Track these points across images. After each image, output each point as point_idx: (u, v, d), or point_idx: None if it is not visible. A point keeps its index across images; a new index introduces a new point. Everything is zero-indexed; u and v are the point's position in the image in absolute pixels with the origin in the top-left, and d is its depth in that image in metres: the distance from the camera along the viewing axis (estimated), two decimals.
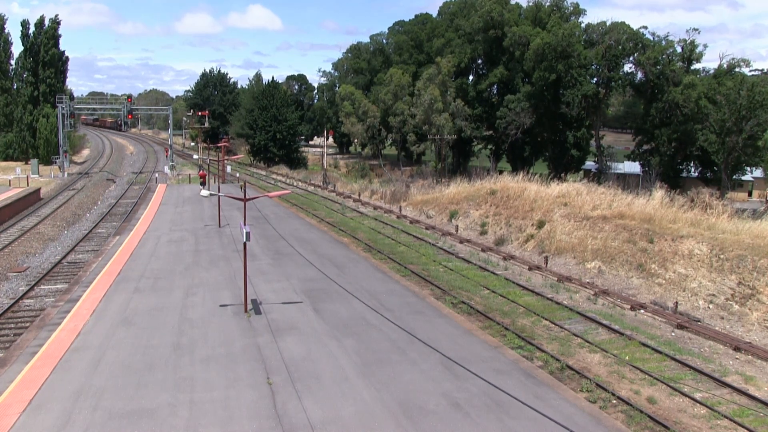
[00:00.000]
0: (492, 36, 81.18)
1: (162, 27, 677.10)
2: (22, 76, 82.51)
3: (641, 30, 71.72)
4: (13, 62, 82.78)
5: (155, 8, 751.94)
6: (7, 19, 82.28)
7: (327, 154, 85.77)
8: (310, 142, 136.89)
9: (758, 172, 68.31)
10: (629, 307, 22.99)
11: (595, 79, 73.70)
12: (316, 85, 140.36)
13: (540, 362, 17.34)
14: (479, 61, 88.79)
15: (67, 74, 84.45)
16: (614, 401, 15.14)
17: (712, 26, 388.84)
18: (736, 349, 18.88)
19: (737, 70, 67.87)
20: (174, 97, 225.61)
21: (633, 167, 76.67)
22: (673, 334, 20.42)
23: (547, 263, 29.58)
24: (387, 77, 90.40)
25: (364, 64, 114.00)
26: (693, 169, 71.50)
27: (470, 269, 28.53)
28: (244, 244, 18.93)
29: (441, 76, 77.52)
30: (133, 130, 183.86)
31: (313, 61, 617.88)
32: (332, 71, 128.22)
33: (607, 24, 73.53)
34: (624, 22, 71.98)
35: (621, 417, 14.34)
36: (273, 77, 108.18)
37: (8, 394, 13.55)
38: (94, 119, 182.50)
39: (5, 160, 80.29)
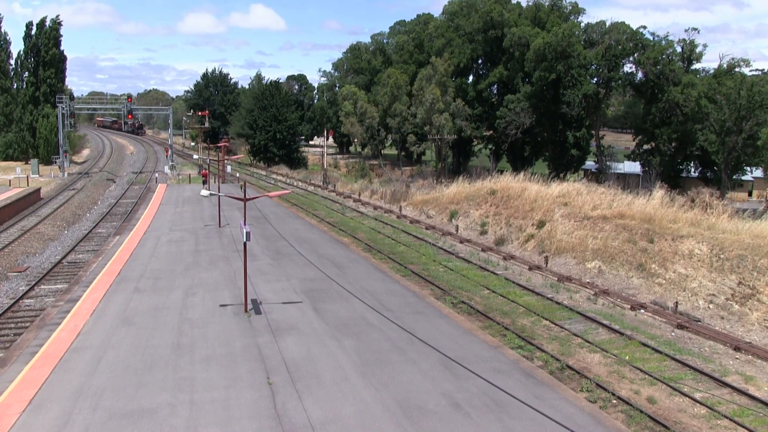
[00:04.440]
0: (492, 36, 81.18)
1: (164, 27, 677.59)
2: (22, 76, 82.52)
3: (641, 30, 71.83)
4: (12, 62, 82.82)
5: (158, 8, 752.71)
6: (2, 18, 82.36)
7: (327, 154, 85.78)
8: (310, 142, 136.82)
9: (758, 172, 68.34)
10: (629, 307, 22.98)
11: (595, 79, 73.71)
12: (316, 85, 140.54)
13: (540, 362, 17.33)
14: (479, 61, 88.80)
15: (67, 74, 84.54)
16: (614, 401, 15.14)
17: (715, 26, 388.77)
18: (736, 349, 18.87)
19: (737, 69, 67.90)
20: (174, 97, 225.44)
21: (633, 167, 76.69)
22: (673, 334, 20.42)
23: (547, 263, 29.57)
24: (385, 77, 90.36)
25: (364, 64, 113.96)
26: (693, 169, 71.53)
27: (470, 269, 28.52)
28: (244, 244, 18.93)
29: (437, 76, 77.50)
30: (149, 132, 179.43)
31: (315, 61, 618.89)
32: (332, 71, 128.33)
33: (607, 24, 73.61)
34: (624, 22, 72.06)
35: (621, 417, 14.34)
36: (277, 79, 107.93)
37: (8, 394, 13.55)
38: (112, 121, 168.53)
39: (5, 160, 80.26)
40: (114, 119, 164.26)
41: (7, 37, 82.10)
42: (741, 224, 27.21)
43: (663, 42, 70.44)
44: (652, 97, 69.98)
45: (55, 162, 74.04)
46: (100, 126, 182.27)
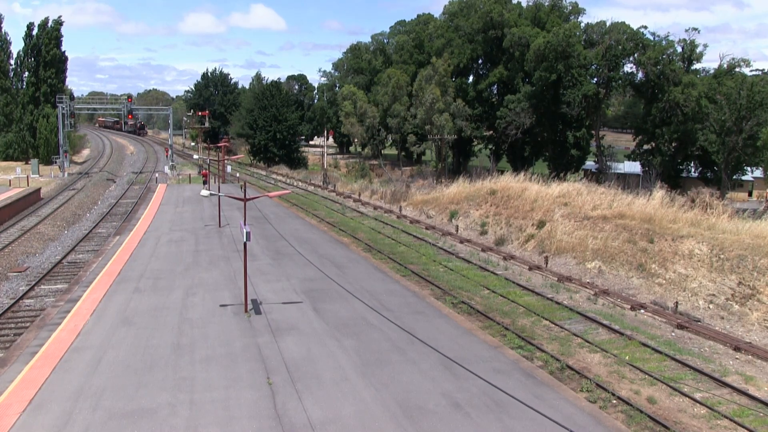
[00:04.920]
0: (492, 36, 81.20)
1: (165, 27, 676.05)
2: (22, 76, 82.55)
3: (641, 30, 71.86)
4: (12, 62, 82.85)
5: (158, 8, 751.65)
6: (3, 18, 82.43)
7: (327, 154, 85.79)
8: (311, 142, 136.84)
9: (758, 172, 68.36)
10: (629, 307, 22.99)
11: (596, 79, 73.72)
12: (316, 85, 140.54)
13: (540, 362, 17.34)
14: (479, 61, 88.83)
15: (67, 74, 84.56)
16: (614, 401, 15.14)
17: (716, 26, 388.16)
18: (736, 349, 18.87)
19: (737, 70, 67.92)
20: (174, 97, 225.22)
21: (633, 167, 76.72)
22: (673, 334, 20.42)
23: (547, 263, 29.57)
24: (385, 77, 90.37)
25: (364, 64, 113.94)
26: (693, 169, 71.57)
27: (470, 269, 28.52)
28: (244, 244, 18.93)
29: (437, 76, 77.54)
30: (150, 132, 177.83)
31: (316, 61, 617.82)
32: (332, 71, 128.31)
33: (607, 24, 73.64)
34: (624, 22, 72.09)
35: (621, 417, 14.34)
36: (277, 78, 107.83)
37: (8, 394, 13.55)
38: (114, 121, 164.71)
39: (5, 160, 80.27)
40: (116, 119, 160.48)
41: (8, 38, 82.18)
42: (741, 224, 27.21)
43: (663, 42, 70.46)
44: (652, 97, 69.97)
45: (55, 162, 74.05)
46: (102, 126, 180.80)
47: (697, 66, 72.70)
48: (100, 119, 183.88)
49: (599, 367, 17.35)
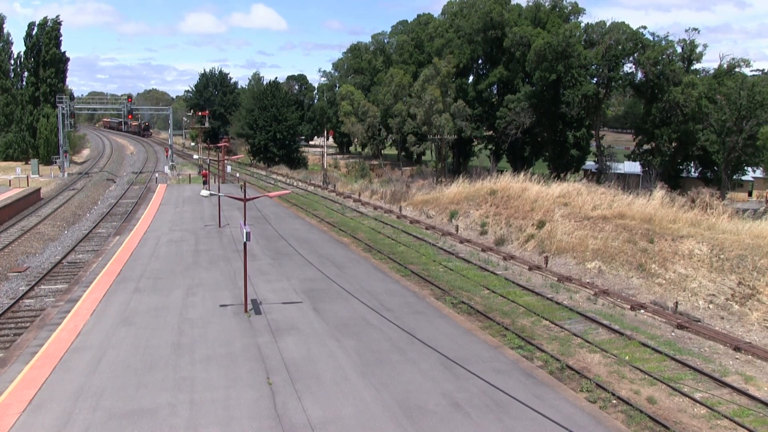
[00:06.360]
0: (492, 36, 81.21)
1: (165, 27, 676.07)
2: (22, 76, 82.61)
3: (641, 30, 71.82)
4: (12, 62, 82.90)
5: (158, 8, 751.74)
6: (5, 18, 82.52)
7: (327, 154, 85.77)
8: (310, 142, 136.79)
9: (758, 172, 68.37)
10: (629, 307, 22.99)
11: (595, 79, 73.69)
12: (316, 85, 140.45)
13: (540, 362, 17.34)
14: (479, 61, 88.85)
15: (68, 74, 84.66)
16: (614, 401, 15.14)
17: (717, 26, 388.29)
18: (736, 349, 18.88)
19: (737, 70, 67.91)
20: (174, 97, 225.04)
21: (633, 167, 76.72)
22: (673, 334, 20.42)
23: (547, 263, 29.57)
24: (387, 77, 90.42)
25: (365, 64, 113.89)
26: (693, 169, 71.56)
27: (470, 269, 28.52)
28: (244, 244, 18.93)
29: (440, 77, 77.53)
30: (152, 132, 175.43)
31: (316, 60, 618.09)
32: (333, 71, 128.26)
33: (607, 24, 73.57)
34: (624, 22, 72.01)
35: (621, 417, 14.34)
36: (276, 78, 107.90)
37: (8, 394, 13.55)
38: (119, 122, 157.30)
39: (5, 160, 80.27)
40: (121, 120, 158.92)
41: (10, 38, 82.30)
42: (741, 224, 27.20)
43: (663, 42, 70.44)
44: (652, 97, 69.94)
45: (55, 162, 74.06)
46: (107, 127, 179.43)
47: (697, 66, 72.73)
48: (105, 119, 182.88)
49: (599, 367, 17.35)
